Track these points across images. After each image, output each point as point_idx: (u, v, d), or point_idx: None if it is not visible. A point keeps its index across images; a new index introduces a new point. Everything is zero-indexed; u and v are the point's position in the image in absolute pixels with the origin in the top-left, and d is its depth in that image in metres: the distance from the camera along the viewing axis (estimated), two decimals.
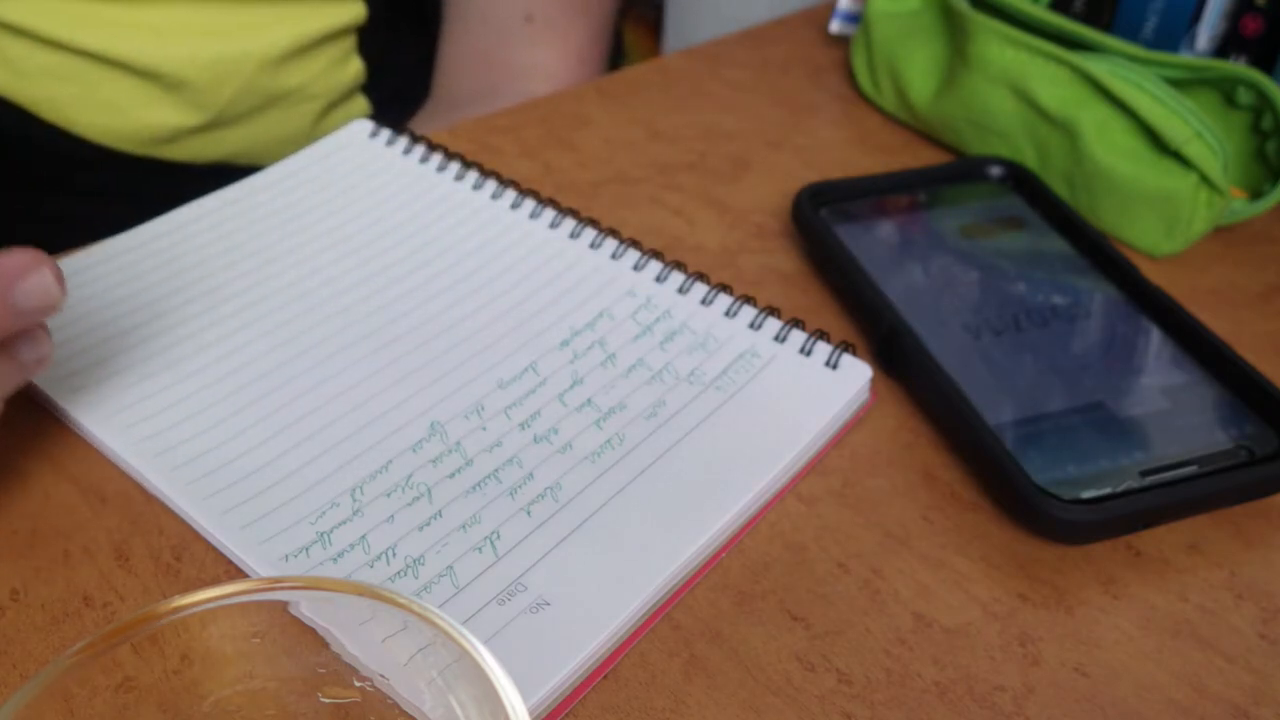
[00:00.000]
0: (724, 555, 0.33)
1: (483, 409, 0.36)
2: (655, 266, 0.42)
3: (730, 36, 0.63)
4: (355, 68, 0.63)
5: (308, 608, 0.24)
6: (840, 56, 0.61)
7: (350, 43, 0.62)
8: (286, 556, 0.31)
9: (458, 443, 0.35)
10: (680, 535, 0.32)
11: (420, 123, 0.63)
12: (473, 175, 0.47)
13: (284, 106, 0.61)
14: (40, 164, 0.60)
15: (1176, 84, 0.47)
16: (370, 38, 0.63)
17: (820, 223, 0.44)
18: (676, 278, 0.41)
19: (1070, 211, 0.45)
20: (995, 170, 0.48)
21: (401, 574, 0.31)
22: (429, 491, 0.34)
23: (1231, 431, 0.36)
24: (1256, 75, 0.46)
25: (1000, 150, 0.50)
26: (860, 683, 0.30)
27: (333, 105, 0.63)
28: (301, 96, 0.61)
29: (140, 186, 0.58)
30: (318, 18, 0.59)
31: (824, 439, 0.37)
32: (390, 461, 0.34)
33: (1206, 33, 0.51)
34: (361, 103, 0.65)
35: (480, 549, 0.32)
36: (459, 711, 0.23)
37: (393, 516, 0.33)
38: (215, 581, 0.31)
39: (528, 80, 0.62)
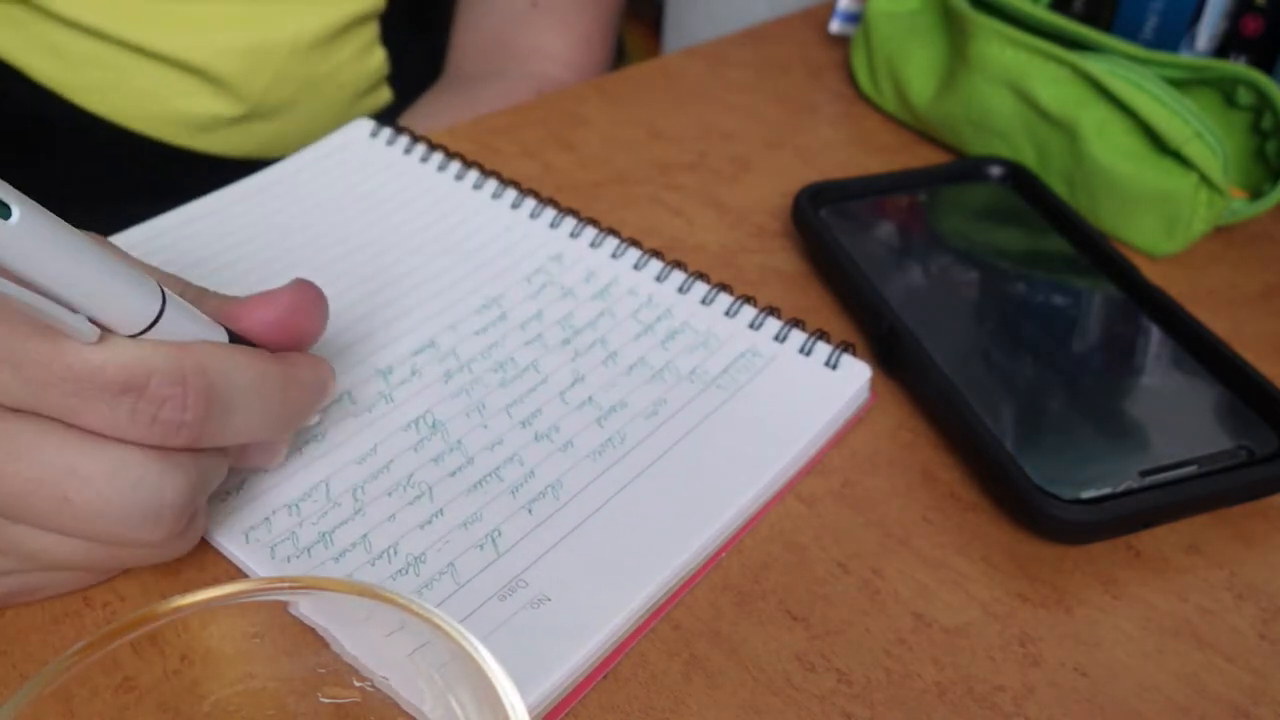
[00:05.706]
0: (724, 555, 0.33)
1: (484, 407, 0.36)
2: (655, 266, 0.42)
3: (730, 36, 0.63)
4: (379, 57, 0.65)
5: (307, 608, 0.24)
6: (840, 56, 0.61)
7: (373, 31, 0.65)
8: (289, 558, 0.31)
9: (459, 441, 0.35)
10: (680, 534, 0.32)
11: (427, 100, 0.64)
12: (473, 175, 0.47)
13: (315, 95, 0.63)
14: (73, 148, 0.62)
15: (1176, 84, 0.47)
16: (391, 27, 0.66)
17: (820, 223, 0.44)
18: (677, 277, 0.41)
19: (1070, 211, 0.45)
20: (995, 170, 0.48)
21: (403, 572, 0.31)
22: (430, 490, 0.33)
23: (1231, 431, 0.36)
24: (1256, 75, 0.46)
25: (1000, 150, 0.50)
26: (860, 683, 0.30)
27: (360, 95, 0.65)
28: (332, 84, 0.63)
29: (181, 180, 0.60)
30: (342, 4, 0.61)
31: (824, 439, 0.37)
32: (391, 461, 0.34)
33: (1206, 33, 0.51)
34: (386, 93, 0.67)
35: (481, 546, 0.32)
36: (459, 711, 0.23)
37: (394, 515, 0.33)
38: (215, 581, 0.31)
39: (533, 62, 0.63)
